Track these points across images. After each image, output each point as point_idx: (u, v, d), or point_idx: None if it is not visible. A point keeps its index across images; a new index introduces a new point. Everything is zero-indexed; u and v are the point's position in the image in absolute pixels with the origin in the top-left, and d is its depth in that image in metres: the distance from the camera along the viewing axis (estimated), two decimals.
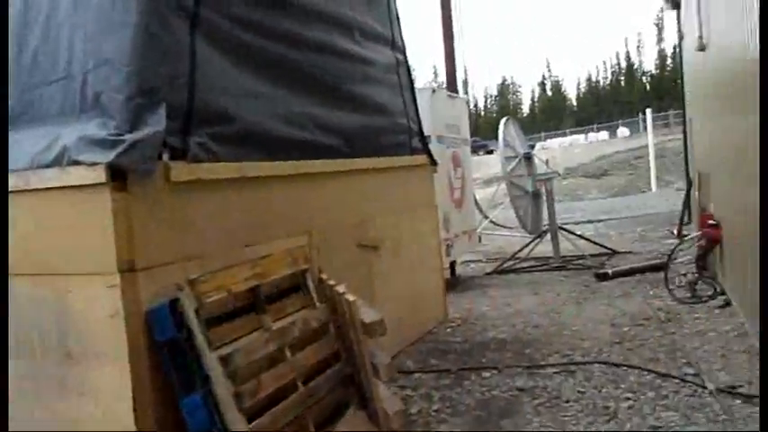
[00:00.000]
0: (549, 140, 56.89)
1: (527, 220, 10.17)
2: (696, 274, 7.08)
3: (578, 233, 11.73)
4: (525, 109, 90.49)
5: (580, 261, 10.22)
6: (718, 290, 6.68)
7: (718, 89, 6.70)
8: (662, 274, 7.60)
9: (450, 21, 16.31)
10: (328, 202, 4.79)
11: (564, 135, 60.19)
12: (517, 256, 10.48)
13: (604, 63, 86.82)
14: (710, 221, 6.69)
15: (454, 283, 9.30)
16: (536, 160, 10.70)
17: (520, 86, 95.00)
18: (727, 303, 6.33)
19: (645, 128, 53.99)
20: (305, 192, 4.43)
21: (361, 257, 5.28)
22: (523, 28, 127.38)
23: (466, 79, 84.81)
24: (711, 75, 7.21)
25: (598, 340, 5.72)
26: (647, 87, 78.90)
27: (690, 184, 11.72)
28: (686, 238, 8.74)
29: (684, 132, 12.78)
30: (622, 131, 52.87)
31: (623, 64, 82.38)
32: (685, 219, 12.25)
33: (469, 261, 11.35)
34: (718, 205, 6.87)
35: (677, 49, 12.37)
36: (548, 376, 4.93)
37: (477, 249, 10.93)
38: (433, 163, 6.66)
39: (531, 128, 72.63)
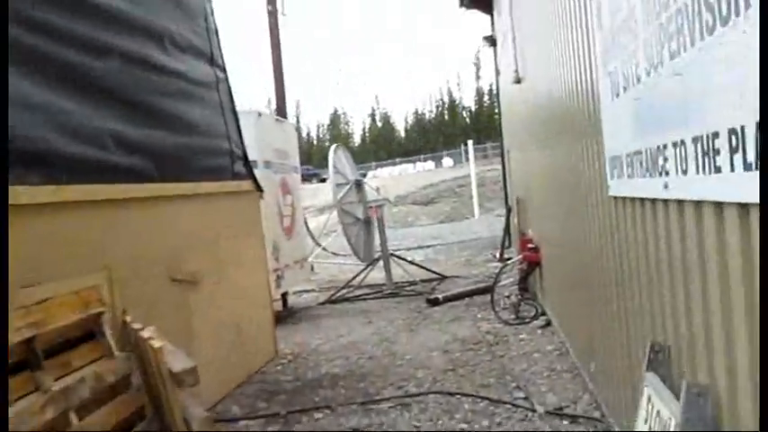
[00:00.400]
0: (379, 169, 58.60)
1: (359, 248, 10.04)
2: (519, 296, 7.33)
3: (409, 259, 11.88)
4: (357, 139, 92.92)
5: (412, 287, 10.30)
6: (540, 310, 6.95)
7: (531, 122, 7.10)
8: (489, 297, 7.82)
9: (279, 46, 16.07)
10: (135, 233, 4.17)
11: (394, 164, 62.40)
12: (350, 284, 10.30)
13: (430, 97, 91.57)
14: (530, 245, 6.98)
15: (286, 315, 8.85)
16: (367, 187, 10.67)
17: (351, 117, 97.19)
18: (548, 323, 6.59)
19: (467, 158, 58.10)
20: (102, 221, 3.79)
21: (177, 294, 4.69)
22: (354, 62, 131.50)
23: (298, 109, 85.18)
24: (524, 108, 7.65)
25: (432, 369, 5.61)
26: (468, 121, 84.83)
27: (509, 210, 12.44)
28: (509, 262, 9.15)
29: (503, 162, 13.60)
30: (447, 161, 56.02)
31: (446, 99, 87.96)
32: (506, 243, 12.96)
33: (302, 291, 10.97)
34: (535, 230, 7.20)
35: (495, 85, 13.14)
36: (383, 412, 4.68)
37: (310, 278, 10.59)
38: (259, 189, 6.24)
39: (362, 157, 74.55)
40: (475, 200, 25.71)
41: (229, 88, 5.87)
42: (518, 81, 7.41)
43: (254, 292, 6.06)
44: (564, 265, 5.55)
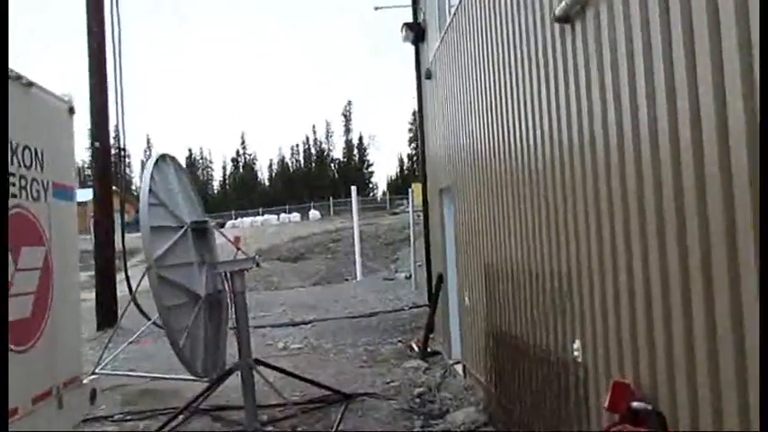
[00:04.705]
0: (240, 219, 52.98)
1: (196, 354, 5.22)
2: None
3: (279, 365, 7.25)
4: (216, 185, 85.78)
5: (291, 421, 5.67)
6: None
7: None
8: None
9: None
10: None
11: (256, 215, 57.04)
12: (182, 411, 5.46)
13: (297, 146, 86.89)
14: (637, 404, 2.72)
15: None
16: (217, 237, 5.97)
17: (211, 162, 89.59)
18: None
19: (335, 212, 54.17)
20: None
21: None
22: (217, 100, 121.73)
23: (149, 145, 77.25)
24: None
25: None
26: (336, 174, 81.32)
27: (439, 280, 8.23)
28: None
29: (425, 211, 9.42)
30: (314, 214, 51.96)
31: (314, 150, 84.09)
32: (431, 327, 8.70)
33: (90, 419, 5.99)
34: (609, 350, 2.99)
35: (418, 90, 9.14)
36: None
37: (89, 413, 5.54)
38: None
39: (222, 205, 68.14)
40: (358, 259, 21.39)
41: None
42: (566, 18, 3.30)
43: None
44: None
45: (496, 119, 5.00)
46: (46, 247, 4.18)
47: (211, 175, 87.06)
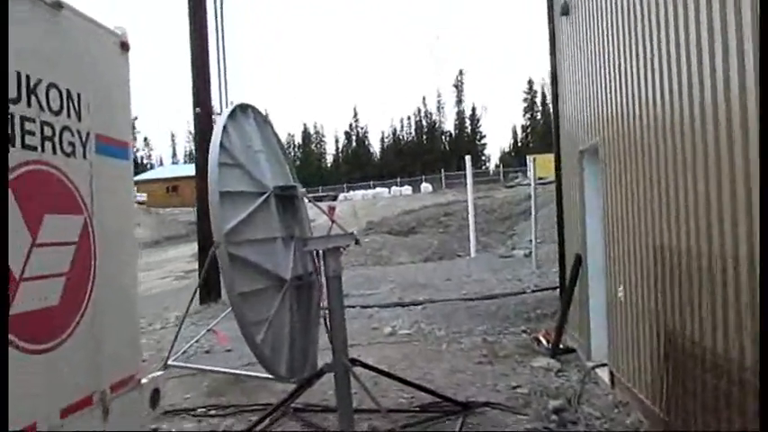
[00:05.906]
0: (352, 192, 53.07)
1: (279, 352, 4.22)
2: None
3: (385, 354, 6.16)
4: (330, 159, 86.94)
5: None
6: None
7: None
8: None
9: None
10: None
11: (368, 188, 56.89)
12: (275, 410, 4.53)
13: (408, 119, 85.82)
14: None
15: None
16: (306, 206, 4.92)
17: (324, 136, 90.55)
18: None
19: (447, 184, 52.73)
20: None
21: None
22: (330, 76, 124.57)
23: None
24: None
25: None
26: (447, 147, 79.65)
27: (577, 261, 6.77)
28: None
29: (558, 179, 7.90)
30: (426, 187, 50.94)
31: (424, 122, 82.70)
32: (565, 319, 7.28)
33: (170, 411, 5.30)
34: None
35: (550, 30, 7.62)
36: None
37: (149, 414, 4.72)
38: None
39: (334, 178, 68.86)
40: (472, 234, 19.97)
41: None
42: None
43: None
44: None
45: (679, 44, 3.51)
46: (84, 216, 3.27)
47: (324, 149, 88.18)
